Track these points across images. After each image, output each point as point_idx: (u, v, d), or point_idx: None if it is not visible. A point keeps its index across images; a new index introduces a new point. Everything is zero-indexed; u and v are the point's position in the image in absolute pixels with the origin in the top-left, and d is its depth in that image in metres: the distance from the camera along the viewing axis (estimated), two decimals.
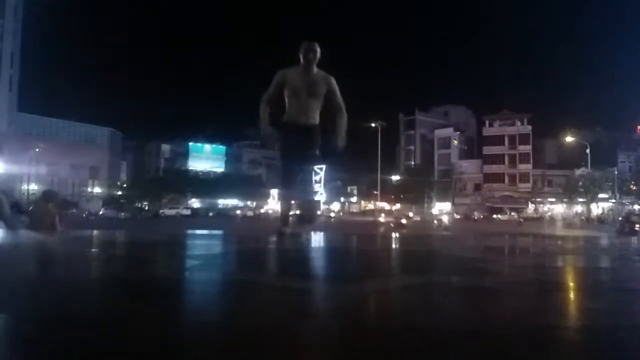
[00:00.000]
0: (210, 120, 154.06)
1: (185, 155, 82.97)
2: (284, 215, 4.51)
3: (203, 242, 5.58)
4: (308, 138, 4.17)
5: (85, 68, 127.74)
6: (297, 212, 4.59)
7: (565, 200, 59.80)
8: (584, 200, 56.32)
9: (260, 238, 6.28)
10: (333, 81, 4.17)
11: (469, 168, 73.27)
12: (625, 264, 3.92)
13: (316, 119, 4.22)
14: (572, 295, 2.30)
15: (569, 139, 52.83)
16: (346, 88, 4.45)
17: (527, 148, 69.18)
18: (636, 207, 53.85)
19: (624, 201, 52.14)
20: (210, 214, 56.46)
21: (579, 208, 59.01)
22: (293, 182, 4.29)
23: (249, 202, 69.97)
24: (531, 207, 64.70)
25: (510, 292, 2.19)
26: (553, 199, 63.81)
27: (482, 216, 57.38)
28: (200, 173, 77.64)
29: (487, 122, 72.21)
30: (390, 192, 66.14)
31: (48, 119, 67.79)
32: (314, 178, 4.78)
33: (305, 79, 4.08)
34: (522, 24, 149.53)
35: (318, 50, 4.05)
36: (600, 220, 50.14)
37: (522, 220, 48.74)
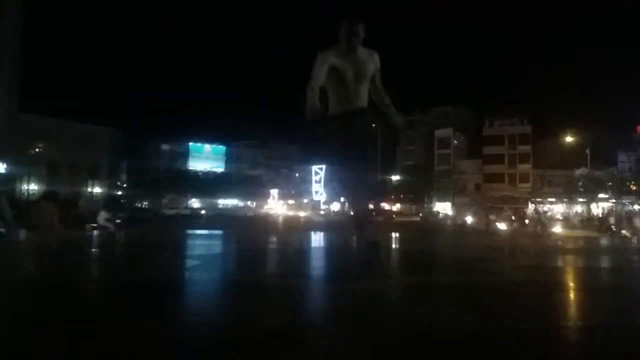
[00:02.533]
0: (210, 120, 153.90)
1: (185, 155, 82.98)
2: None
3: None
4: (361, 126, 3.58)
5: (86, 68, 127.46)
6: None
7: (565, 200, 59.75)
8: (584, 200, 56.27)
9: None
10: (378, 58, 3.65)
11: (469, 168, 73.19)
12: None
13: (366, 103, 3.62)
14: None
15: (569, 139, 52.78)
16: None
17: (527, 148, 69.04)
18: (636, 207, 53.83)
19: (624, 201, 52.11)
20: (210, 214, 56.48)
21: (578, 208, 58.98)
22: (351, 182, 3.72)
23: (248, 202, 69.97)
24: (531, 206, 64.66)
25: None
26: (553, 199, 63.77)
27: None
28: (200, 173, 77.63)
29: (487, 122, 72.13)
30: (390, 192, 66.23)
31: (48, 119, 67.64)
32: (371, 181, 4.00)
33: (350, 60, 3.50)
34: (522, 24, 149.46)
35: (362, 32, 3.48)
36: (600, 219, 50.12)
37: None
